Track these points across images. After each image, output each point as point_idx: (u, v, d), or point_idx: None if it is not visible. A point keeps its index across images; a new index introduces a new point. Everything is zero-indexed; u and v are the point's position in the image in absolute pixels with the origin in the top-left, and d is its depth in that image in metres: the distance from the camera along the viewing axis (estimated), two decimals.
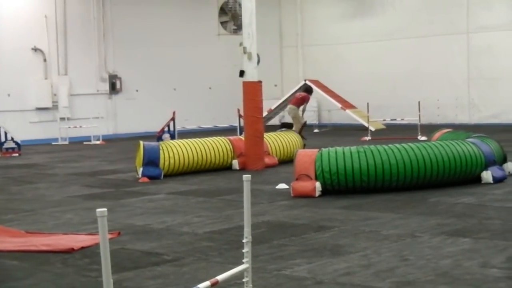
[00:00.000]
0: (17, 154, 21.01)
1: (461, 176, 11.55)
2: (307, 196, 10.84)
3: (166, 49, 30.40)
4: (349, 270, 6.36)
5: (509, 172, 12.42)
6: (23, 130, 25.03)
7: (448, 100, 29.91)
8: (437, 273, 6.14)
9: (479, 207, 9.52)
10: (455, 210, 9.39)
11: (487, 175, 11.67)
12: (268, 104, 27.96)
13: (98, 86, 29.15)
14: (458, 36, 29.57)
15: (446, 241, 7.41)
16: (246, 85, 15.27)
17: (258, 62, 15.35)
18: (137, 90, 30.07)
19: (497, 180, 11.68)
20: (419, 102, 23.67)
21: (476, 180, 11.69)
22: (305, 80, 29.87)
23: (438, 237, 7.65)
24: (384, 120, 27.58)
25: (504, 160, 12.59)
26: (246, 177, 4.75)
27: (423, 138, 20.08)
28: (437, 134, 14.46)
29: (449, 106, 29.97)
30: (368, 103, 24.44)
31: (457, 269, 6.26)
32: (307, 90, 22.92)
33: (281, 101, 30.56)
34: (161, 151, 14.29)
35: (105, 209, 3.62)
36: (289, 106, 22.38)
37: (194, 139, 15.41)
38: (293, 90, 29.97)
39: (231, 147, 15.36)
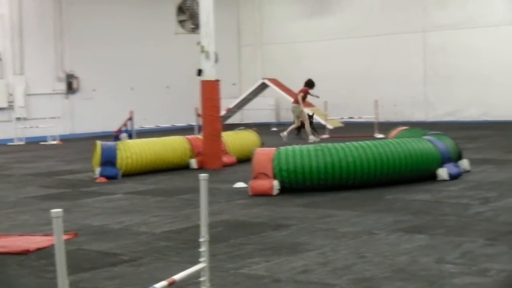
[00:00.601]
0: None
1: (417, 173, 11.65)
2: (265, 194, 10.85)
3: (124, 48, 30.25)
4: (307, 267, 6.38)
5: (464, 169, 12.57)
6: None
7: (405, 98, 30.20)
8: (394, 269, 6.19)
9: (435, 204, 9.62)
10: (411, 207, 9.47)
11: (442, 172, 11.79)
12: (226, 103, 28.03)
13: (54, 86, 28.91)
14: (414, 35, 29.87)
15: (402, 238, 7.47)
16: (204, 84, 15.25)
17: (216, 61, 15.34)
18: (94, 90, 29.88)
19: (453, 177, 11.80)
20: (376, 100, 23.85)
21: (432, 177, 11.80)
22: (263, 79, 29.98)
23: (394, 234, 7.71)
24: (342, 118, 27.75)
25: (460, 157, 12.74)
26: (203, 176, 4.74)
27: (380, 136, 20.23)
28: (394, 132, 14.58)
29: (405, 104, 30.26)
30: (326, 102, 24.55)
31: (413, 265, 6.32)
32: (307, 84, 22.77)
33: (239, 99, 30.63)
34: (118, 151, 14.21)
35: (60, 209, 3.59)
36: (292, 105, 22.57)
37: (152, 139, 15.36)
38: (252, 89, 30.10)
39: (189, 146, 15.33)
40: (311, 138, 21.23)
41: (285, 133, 21.82)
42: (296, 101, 22.24)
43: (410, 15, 29.94)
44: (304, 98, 22.31)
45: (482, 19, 28.27)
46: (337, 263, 6.49)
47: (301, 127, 22.61)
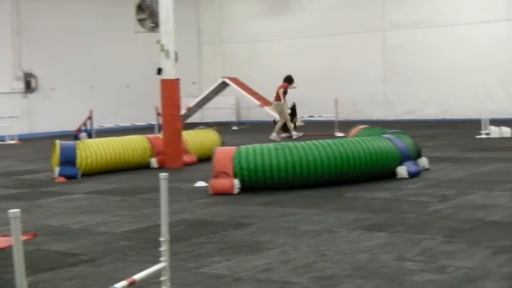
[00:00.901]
0: None
1: (377, 171, 11.73)
2: (226, 193, 10.85)
3: (83, 47, 30.00)
4: (268, 266, 6.39)
5: (423, 167, 12.68)
6: None
7: (364, 97, 30.38)
8: (354, 267, 6.23)
9: (394, 202, 9.69)
10: (371, 205, 9.53)
11: (402, 170, 11.89)
12: (187, 102, 27.94)
13: (12, 85, 28.59)
14: (373, 34, 30.07)
15: (362, 236, 7.52)
16: (164, 83, 15.20)
17: (176, 59, 15.30)
18: (53, 89, 29.60)
19: (412, 175, 11.90)
20: (336, 99, 23.94)
21: (391, 175, 11.89)
22: (223, 78, 29.98)
23: (355, 232, 7.75)
24: (302, 117, 27.79)
25: (419, 155, 12.85)
26: (163, 175, 4.72)
27: (340, 134, 20.32)
28: (354, 131, 14.64)
29: (365, 102, 30.44)
30: (286, 101, 24.57)
31: (373, 263, 6.36)
32: (286, 79, 22.66)
33: (199, 98, 30.59)
34: (78, 150, 14.10)
35: (18, 210, 3.55)
36: (274, 103, 22.39)
37: (112, 138, 15.27)
38: (212, 88, 30.06)
39: (149, 145, 15.27)
40: (294, 134, 21.20)
41: (274, 134, 21.59)
42: (277, 98, 22.04)
43: (369, 14, 30.11)
44: (284, 93, 22.04)
45: (440, 18, 28.52)
46: (298, 261, 6.51)
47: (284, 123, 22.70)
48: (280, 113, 22.08)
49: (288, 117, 22.08)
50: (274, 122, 23.13)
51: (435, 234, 7.45)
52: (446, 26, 28.30)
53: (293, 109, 23.28)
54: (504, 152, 15.43)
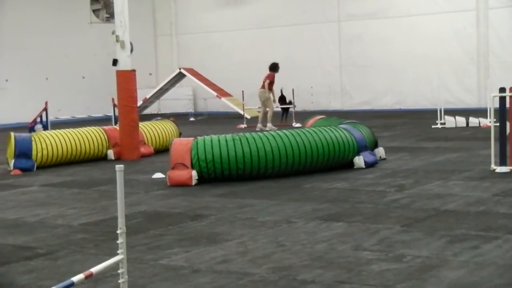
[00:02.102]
0: None
1: (334, 161, 11.78)
2: (184, 185, 10.82)
3: (37, 38, 29.66)
4: (226, 257, 6.39)
5: (380, 157, 12.77)
6: None
7: (321, 87, 30.48)
8: (312, 257, 6.25)
9: (352, 192, 9.74)
10: (329, 195, 9.57)
11: (359, 160, 11.96)
12: (143, 93, 27.82)
13: None
14: (329, 25, 30.16)
15: (320, 226, 7.55)
16: (120, 74, 15.09)
17: (131, 50, 15.20)
18: (7, 80, 29.22)
19: (369, 165, 11.98)
20: (293, 90, 23.98)
21: (349, 165, 11.96)
22: (180, 69, 29.86)
23: (313, 222, 7.78)
24: (259, 107, 27.82)
25: (376, 145, 12.94)
26: (119, 167, 4.68)
27: (298, 125, 20.38)
28: (311, 121, 14.68)
29: (322, 93, 30.55)
30: (243, 91, 24.62)
31: (331, 253, 6.39)
32: (271, 68, 21.98)
33: (156, 89, 30.45)
34: (33, 143, 13.95)
35: None
36: (258, 90, 21.68)
37: (68, 130, 15.12)
38: (168, 79, 29.95)
39: (105, 137, 15.16)
40: (269, 126, 20.77)
41: (259, 125, 21.27)
42: (261, 86, 21.54)
43: (325, 5, 30.18)
44: (271, 83, 21.44)
45: (395, 9, 28.71)
46: (256, 252, 6.52)
47: (285, 111, 22.52)
48: (264, 102, 21.50)
49: (272, 108, 21.55)
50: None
51: (392, 223, 7.51)
52: (401, 17, 28.49)
53: (282, 97, 23.25)
54: (459, 142, 15.60)
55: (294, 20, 30.69)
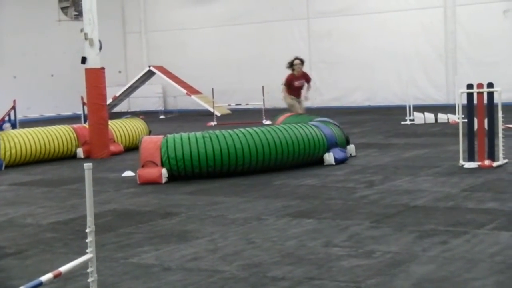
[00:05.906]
0: None
1: (304, 158, 11.82)
2: (154, 183, 10.80)
3: (5, 36, 29.40)
4: (196, 255, 6.38)
5: (350, 154, 12.81)
6: None
7: None
8: (283, 254, 6.26)
9: (322, 188, 9.77)
10: (299, 192, 9.60)
11: (329, 157, 12.00)
12: (113, 91, 27.69)
13: None
14: (298, 22, 30.18)
15: (291, 223, 7.56)
16: (89, 72, 15.02)
17: (100, 48, 15.13)
18: None
19: (339, 162, 12.03)
20: (263, 87, 24.01)
21: (319, 162, 11.99)
22: (149, 66, 29.77)
23: (283, 219, 7.79)
24: (229, 105, 27.84)
25: (348, 142, 12.96)
26: (87, 165, 4.66)
27: (268, 122, 20.40)
28: (281, 118, 14.69)
29: None
30: (213, 89, 24.59)
31: (301, 249, 6.41)
32: (287, 66, 18.17)
33: (126, 87, 30.32)
34: (1, 141, 13.84)
35: None
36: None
37: (37, 128, 15.02)
38: (138, 77, 29.83)
39: (75, 135, 15.09)
40: None
41: None
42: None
43: (294, 1, 30.19)
44: (289, 86, 17.19)
45: (363, 6, 28.79)
46: (226, 250, 6.52)
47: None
48: (289, 108, 16.88)
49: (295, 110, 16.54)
50: None
51: (362, 219, 7.54)
52: (370, 13, 28.58)
53: None
54: (428, 138, 15.70)
55: (263, 17, 30.67)
